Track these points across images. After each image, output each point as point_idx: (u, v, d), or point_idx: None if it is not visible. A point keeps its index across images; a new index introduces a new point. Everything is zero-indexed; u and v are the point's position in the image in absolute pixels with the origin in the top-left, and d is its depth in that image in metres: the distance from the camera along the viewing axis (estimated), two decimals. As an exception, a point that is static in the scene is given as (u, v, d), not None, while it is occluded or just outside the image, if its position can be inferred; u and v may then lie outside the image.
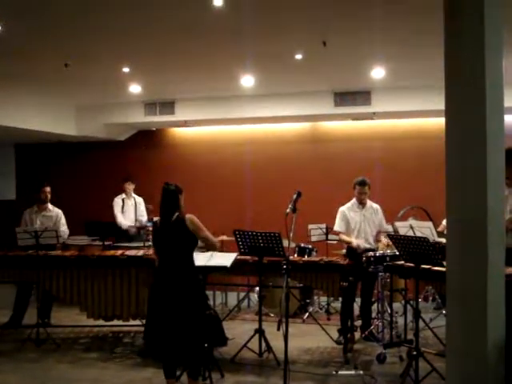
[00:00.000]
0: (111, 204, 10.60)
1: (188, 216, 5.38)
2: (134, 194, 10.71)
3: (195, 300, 5.37)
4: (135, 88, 9.89)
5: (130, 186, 10.69)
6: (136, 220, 10.51)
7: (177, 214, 5.40)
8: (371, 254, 7.03)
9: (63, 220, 8.67)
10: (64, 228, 8.62)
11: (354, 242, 7.38)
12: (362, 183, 7.58)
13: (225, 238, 9.32)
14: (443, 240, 6.06)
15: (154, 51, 7.77)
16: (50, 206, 8.67)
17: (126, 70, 8.64)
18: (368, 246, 7.48)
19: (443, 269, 5.12)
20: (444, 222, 8.82)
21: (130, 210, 10.61)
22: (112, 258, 7.23)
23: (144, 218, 10.54)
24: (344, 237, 7.60)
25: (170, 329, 5.27)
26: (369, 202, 7.73)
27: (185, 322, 5.27)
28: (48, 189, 8.60)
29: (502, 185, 4.57)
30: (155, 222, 5.66)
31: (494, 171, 4.30)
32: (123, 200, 10.60)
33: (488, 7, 4.28)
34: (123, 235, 10.00)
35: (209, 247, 5.69)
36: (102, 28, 6.79)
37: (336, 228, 7.73)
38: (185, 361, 5.50)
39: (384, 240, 7.44)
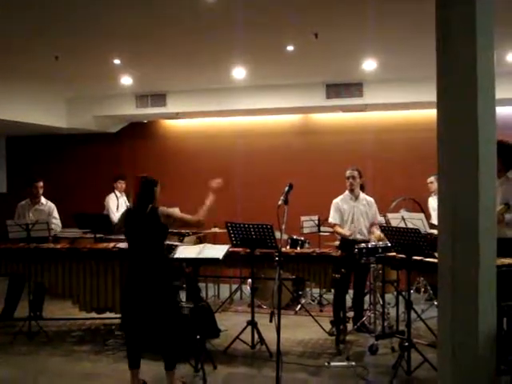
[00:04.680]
0: (103, 201, 10.56)
1: (160, 209, 5.51)
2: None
3: (166, 290, 5.47)
4: (126, 80, 9.87)
5: (124, 184, 10.70)
6: None
7: (151, 205, 5.50)
8: (363, 245, 7.04)
9: (55, 214, 8.64)
10: (56, 221, 8.60)
11: (348, 232, 7.40)
12: (351, 168, 7.65)
13: (217, 229, 9.36)
14: (435, 231, 6.08)
15: (145, 43, 7.75)
16: (42, 199, 8.64)
17: (116, 62, 8.61)
18: (361, 237, 7.50)
19: (435, 260, 5.13)
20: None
21: (123, 208, 10.61)
22: (104, 250, 7.21)
23: None
24: (339, 229, 7.62)
25: (143, 319, 5.38)
26: (362, 195, 7.75)
27: (158, 312, 5.36)
28: (40, 184, 8.58)
29: (494, 176, 4.57)
30: (128, 210, 5.77)
31: (485, 163, 4.30)
32: (117, 198, 10.58)
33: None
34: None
35: (194, 225, 5.74)
36: (93, 20, 6.76)
37: (331, 220, 7.75)
38: (162, 352, 5.56)
39: (377, 232, 7.46)
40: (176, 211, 5.61)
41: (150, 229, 5.46)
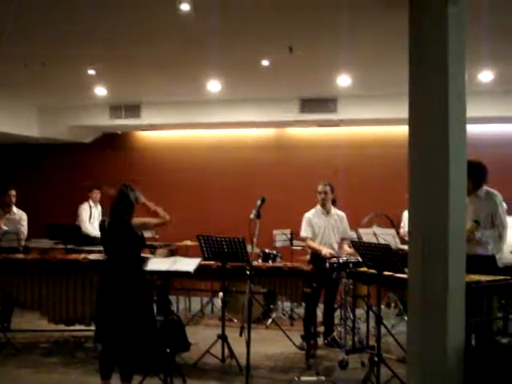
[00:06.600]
0: (76, 210, 10.47)
1: (134, 222, 5.49)
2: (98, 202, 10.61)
3: (137, 302, 5.43)
4: (100, 90, 9.81)
5: (99, 194, 10.55)
6: None
7: (127, 217, 5.47)
8: (334, 260, 7.07)
9: (23, 222, 8.58)
10: (22, 228, 8.53)
11: (324, 250, 7.40)
12: (323, 183, 7.67)
13: (189, 242, 9.33)
14: (405, 247, 6.13)
15: (119, 54, 7.72)
16: (14, 208, 8.60)
17: (91, 72, 8.56)
18: (332, 252, 7.52)
19: (405, 276, 5.17)
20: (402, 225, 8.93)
21: (97, 219, 10.45)
22: (74, 261, 7.14)
23: None
24: (312, 243, 7.62)
25: (111, 329, 5.37)
26: (333, 210, 7.78)
27: (124, 322, 5.34)
28: (13, 192, 8.55)
29: (464, 194, 4.64)
30: (103, 222, 5.72)
31: (455, 181, 4.36)
32: (90, 208, 10.45)
33: (451, 16, 4.35)
34: (85, 240, 9.84)
35: (164, 224, 5.73)
36: (67, 30, 6.72)
37: (303, 234, 7.76)
38: (119, 362, 5.49)
39: (346, 247, 7.51)
40: (147, 219, 5.61)
41: (125, 241, 5.46)
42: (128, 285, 5.39)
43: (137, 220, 5.53)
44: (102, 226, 5.71)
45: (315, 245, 7.59)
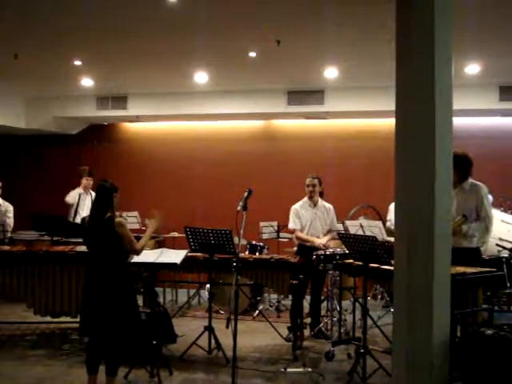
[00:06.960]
0: (61, 203, 10.39)
1: (117, 221, 5.36)
2: (91, 190, 10.52)
3: (122, 297, 5.37)
4: (87, 81, 9.78)
5: (91, 182, 10.41)
6: None
7: (109, 213, 5.38)
8: (321, 252, 7.09)
9: (9, 213, 8.54)
10: (9, 220, 8.49)
11: (317, 241, 7.43)
12: (311, 176, 7.67)
13: (176, 234, 9.32)
14: (392, 239, 6.15)
15: (106, 45, 7.70)
16: (0, 200, 8.55)
17: (77, 62, 8.53)
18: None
19: (391, 268, 5.19)
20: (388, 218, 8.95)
21: (87, 207, 10.35)
22: (60, 253, 7.10)
23: None
24: (302, 235, 7.63)
25: (96, 322, 5.30)
26: (321, 202, 7.79)
27: (108, 315, 5.27)
28: None
29: (450, 186, 4.65)
30: (83, 219, 5.63)
31: (441, 173, 4.37)
32: (80, 195, 10.36)
33: (438, 9, 4.36)
34: (72, 231, 9.80)
35: (131, 251, 5.56)
36: (54, 20, 6.70)
37: (291, 226, 7.76)
38: (105, 356, 5.42)
39: (325, 239, 7.55)
40: (128, 232, 5.45)
41: (107, 237, 5.34)
42: (112, 278, 5.33)
43: (124, 226, 5.39)
44: (82, 223, 5.61)
45: (306, 236, 7.60)
